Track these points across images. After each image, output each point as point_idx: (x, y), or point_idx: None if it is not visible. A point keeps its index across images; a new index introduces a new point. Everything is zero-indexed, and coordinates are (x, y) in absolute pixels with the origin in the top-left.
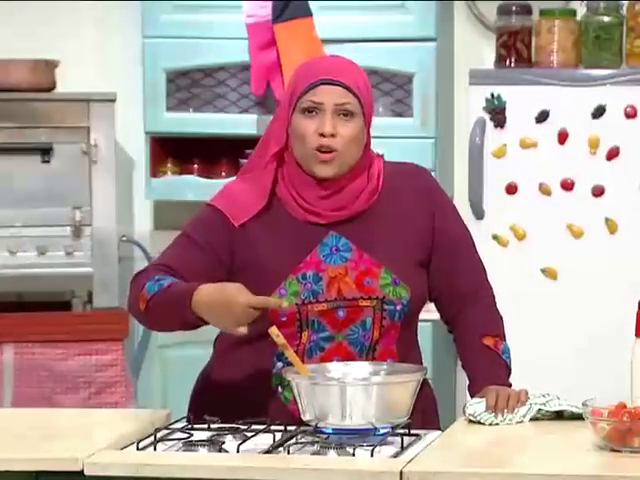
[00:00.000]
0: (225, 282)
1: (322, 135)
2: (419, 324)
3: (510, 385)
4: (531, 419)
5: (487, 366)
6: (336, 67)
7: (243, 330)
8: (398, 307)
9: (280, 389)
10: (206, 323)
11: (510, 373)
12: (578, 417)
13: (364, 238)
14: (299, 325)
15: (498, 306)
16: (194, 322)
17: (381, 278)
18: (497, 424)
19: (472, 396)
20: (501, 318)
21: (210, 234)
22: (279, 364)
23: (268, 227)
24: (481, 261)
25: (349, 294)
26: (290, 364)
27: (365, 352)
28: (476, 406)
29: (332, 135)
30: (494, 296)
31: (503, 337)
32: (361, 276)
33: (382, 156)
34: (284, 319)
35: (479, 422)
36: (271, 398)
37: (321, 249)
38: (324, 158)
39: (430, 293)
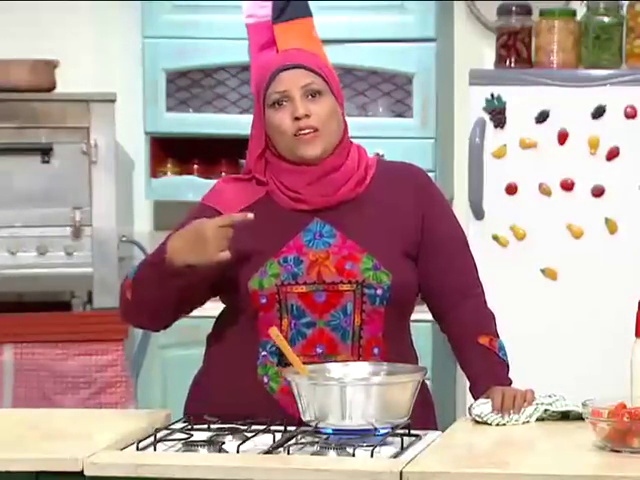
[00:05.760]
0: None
1: (297, 119)
2: (419, 325)
3: (511, 381)
4: (537, 419)
5: (486, 366)
6: (289, 54)
7: (225, 254)
8: (378, 291)
9: (266, 379)
10: (191, 271)
11: (508, 370)
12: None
13: (349, 225)
14: (279, 309)
15: (498, 306)
16: (178, 273)
17: (362, 262)
18: (504, 424)
19: (475, 398)
20: (493, 316)
21: None
22: (263, 353)
23: (255, 218)
24: (473, 259)
25: (329, 278)
26: (273, 354)
27: (350, 339)
28: (482, 407)
29: (306, 116)
30: (484, 294)
31: (497, 334)
32: (342, 260)
33: (378, 155)
34: (264, 301)
35: (485, 423)
36: (258, 389)
37: (304, 234)
38: (306, 138)
39: (421, 290)
